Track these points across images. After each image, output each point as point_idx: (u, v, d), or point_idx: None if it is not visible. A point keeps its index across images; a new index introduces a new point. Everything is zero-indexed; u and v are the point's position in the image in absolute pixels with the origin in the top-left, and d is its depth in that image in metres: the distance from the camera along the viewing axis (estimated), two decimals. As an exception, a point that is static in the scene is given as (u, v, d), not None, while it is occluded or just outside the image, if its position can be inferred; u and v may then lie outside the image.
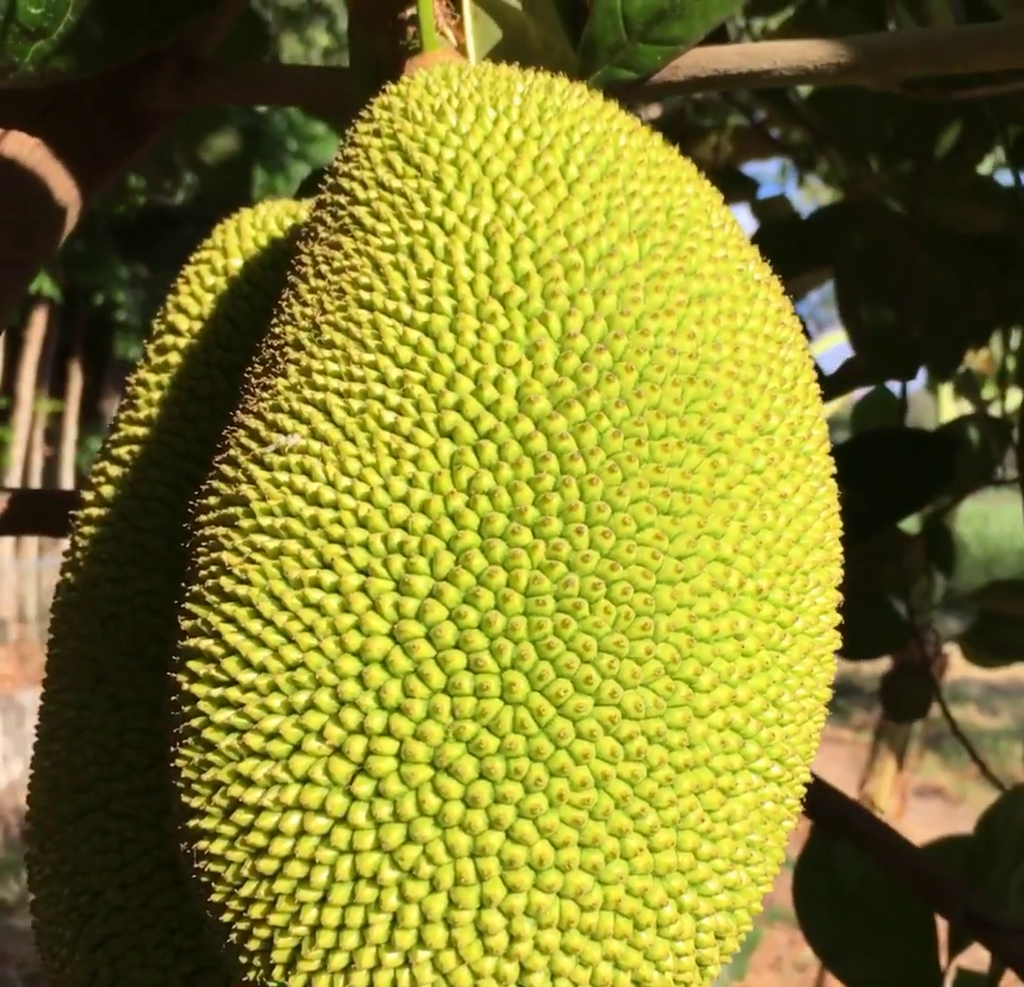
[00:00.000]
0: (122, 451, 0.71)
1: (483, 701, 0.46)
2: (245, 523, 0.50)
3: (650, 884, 0.48)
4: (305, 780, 0.47)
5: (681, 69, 0.68)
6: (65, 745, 0.69)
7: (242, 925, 0.48)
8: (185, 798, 0.49)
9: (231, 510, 0.51)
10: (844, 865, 1.20)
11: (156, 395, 0.71)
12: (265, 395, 0.53)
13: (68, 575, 0.72)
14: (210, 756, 0.48)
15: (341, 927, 0.47)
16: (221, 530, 0.51)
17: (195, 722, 0.49)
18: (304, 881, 0.47)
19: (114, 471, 0.71)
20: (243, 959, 0.49)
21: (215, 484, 0.53)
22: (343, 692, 0.46)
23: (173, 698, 0.51)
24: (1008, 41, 0.62)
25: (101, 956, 0.67)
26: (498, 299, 0.50)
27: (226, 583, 0.49)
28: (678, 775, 0.48)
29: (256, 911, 0.48)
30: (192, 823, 0.49)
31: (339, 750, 0.46)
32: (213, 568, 0.51)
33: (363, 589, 0.47)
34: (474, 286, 0.51)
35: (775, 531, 0.51)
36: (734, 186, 2.17)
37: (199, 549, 0.52)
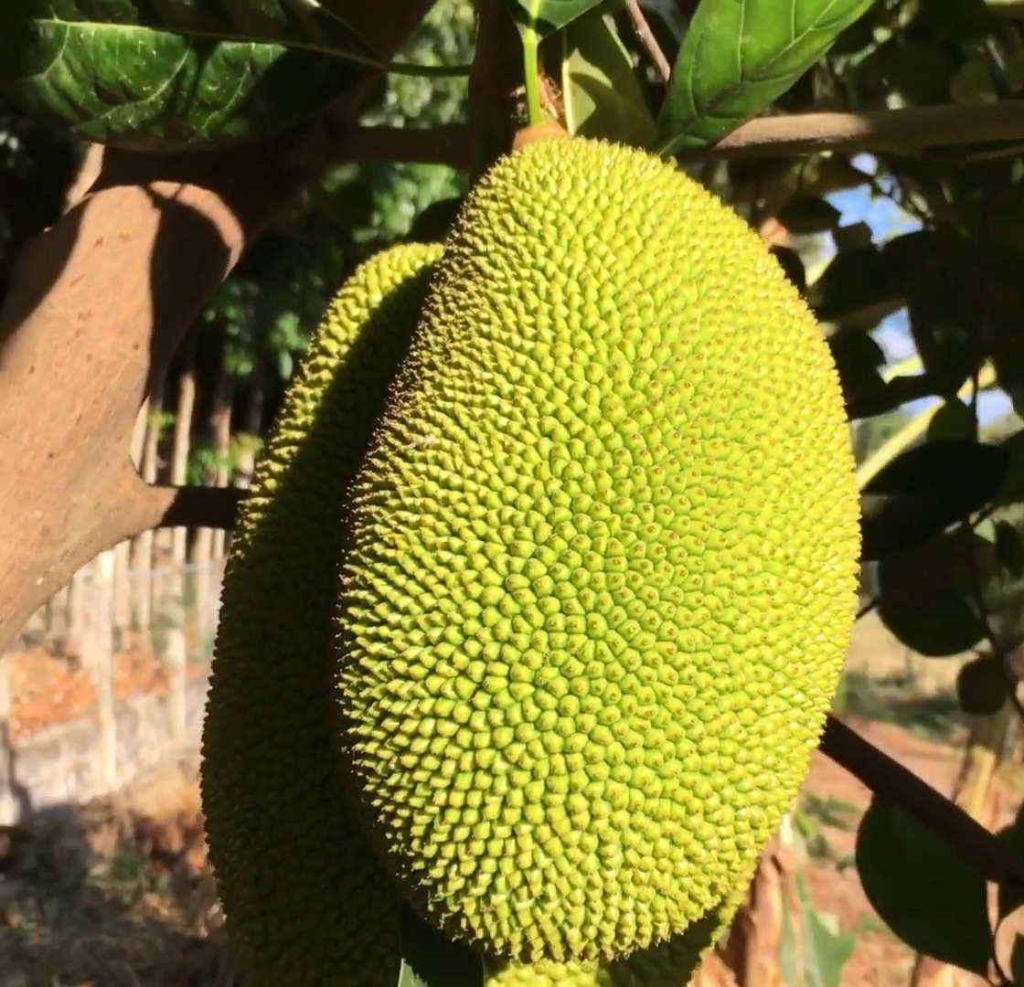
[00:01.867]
0: (282, 451, 0.87)
1: (571, 635, 0.61)
2: (392, 502, 0.65)
3: (698, 779, 0.62)
4: (438, 695, 0.62)
5: (742, 136, 0.83)
6: (236, 690, 0.85)
7: (388, 808, 0.64)
8: (346, 712, 0.65)
9: (381, 493, 0.66)
10: (904, 832, 1.32)
11: (311, 405, 0.86)
12: (406, 405, 0.69)
13: (238, 553, 0.87)
14: (365, 678, 0.64)
15: (464, 807, 0.62)
16: (373, 508, 0.66)
17: (354, 653, 0.64)
18: (436, 772, 0.62)
19: (276, 467, 0.86)
20: (388, 835, 0.64)
21: (368, 473, 0.69)
22: (467, 629, 0.61)
23: (336, 636, 0.66)
24: (1008, 116, 0.76)
25: (264, 860, 0.83)
26: (587, 331, 0.65)
27: (378, 548, 0.65)
28: (720, 696, 0.62)
29: (399, 796, 0.63)
30: (351, 731, 0.64)
31: (464, 672, 0.61)
32: (367, 537, 0.66)
33: (482, 551, 0.62)
34: (568, 321, 0.66)
35: (800, 511, 0.65)
36: (816, 214, 2.27)
37: (356, 523, 0.68)
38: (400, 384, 0.72)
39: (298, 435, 0.86)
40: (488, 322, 0.67)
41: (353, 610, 0.65)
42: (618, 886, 0.62)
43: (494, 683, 0.61)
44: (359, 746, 0.64)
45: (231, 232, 1.04)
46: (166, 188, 1.02)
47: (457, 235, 0.74)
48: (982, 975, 1.31)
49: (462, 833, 0.62)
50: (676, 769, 0.62)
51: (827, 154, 2.37)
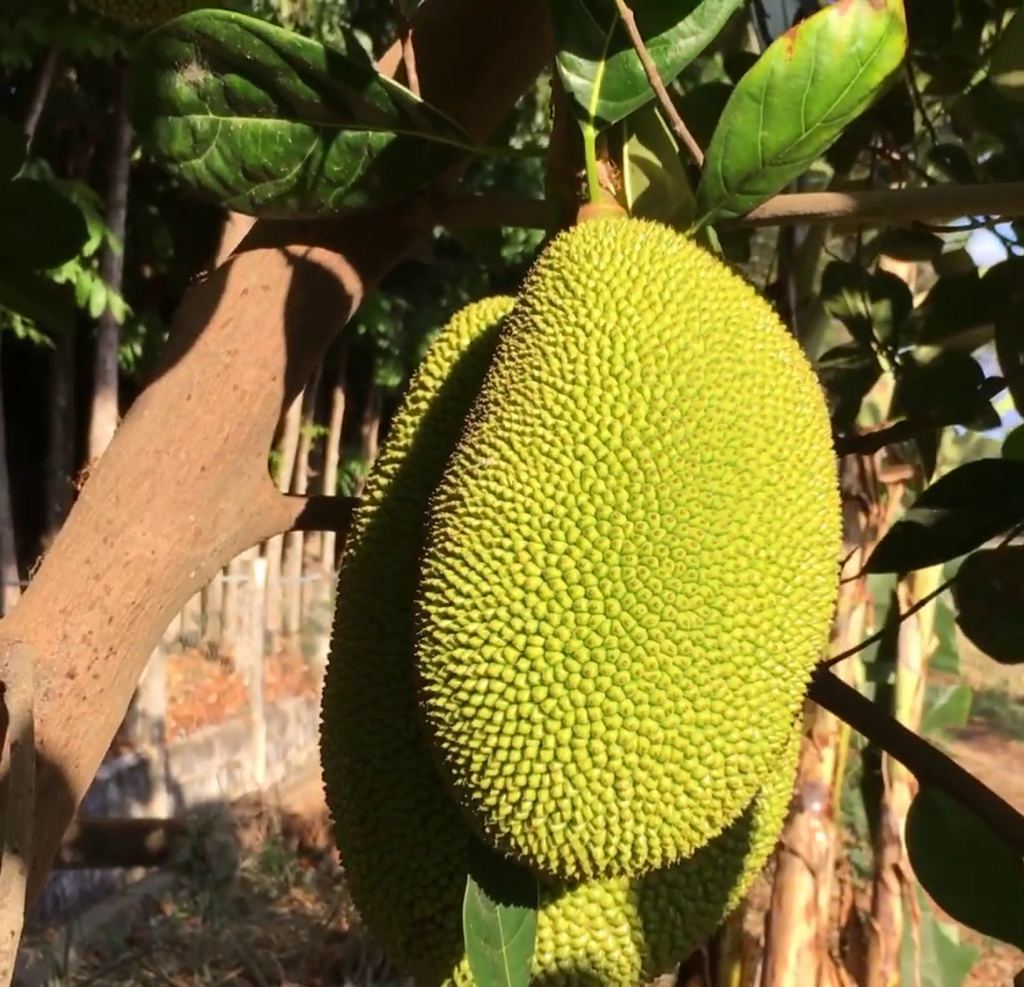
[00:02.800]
0: (388, 468, 1.05)
1: (593, 615, 0.79)
2: (460, 510, 0.84)
3: (693, 731, 0.79)
4: (490, 660, 0.80)
5: (767, 210, 1.00)
6: (347, 664, 1.04)
7: (453, 749, 0.82)
8: (422, 674, 0.83)
9: (452, 502, 0.85)
10: (947, 813, 1.46)
11: (411, 430, 1.05)
12: (475, 433, 0.87)
13: (351, 551, 1.06)
14: (436, 648, 0.82)
15: (510, 748, 0.79)
16: (446, 515, 0.85)
17: (428, 628, 0.83)
18: (489, 721, 0.80)
19: (382, 481, 1.05)
20: (454, 771, 0.82)
21: (444, 487, 0.87)
22: (513, 609, 0.79)
23: (416, 615, 0.85)
24: (974, 198, 0.91)
25: (368, 804, 1.01)
26: (613, 376, 0.83)
27: (448, 546, 0.83)
28: (711, 665, 0.79)
29: (461, 740, 0.81)
30: (426, 689, 0.83)
31: (510, 643, 0.79)
32: (441, 537, 0.84)
33: (526, 549, 0.80)
34: (599, 368, 0.83)
35: (782, 520, 0.82)
36: (918, 244, 2.41)
37: (433, 526, 0.86)
38: (473, 416, 0.90)
39: (400, 455, 1.05)
40: (539, 369, 0.85)
41: (429, 594, 0.84)
42: (631, 814, 0.80)
43: (533, 651, 0.79)
44: (432, 701, 0.82)
45: (352, 284, 1.24)
46: (299, 248, 1.22)
47: (522, 296, 0.92)
48: (1020, 947, 1.45)
49: (509, 769, 0.80)
50: (675, 722, 0.79)
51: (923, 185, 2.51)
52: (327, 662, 1.10)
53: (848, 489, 5.45)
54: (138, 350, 18.38)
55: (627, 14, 0.91)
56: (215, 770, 13.81)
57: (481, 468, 0.84)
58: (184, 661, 17.11)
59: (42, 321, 1.95)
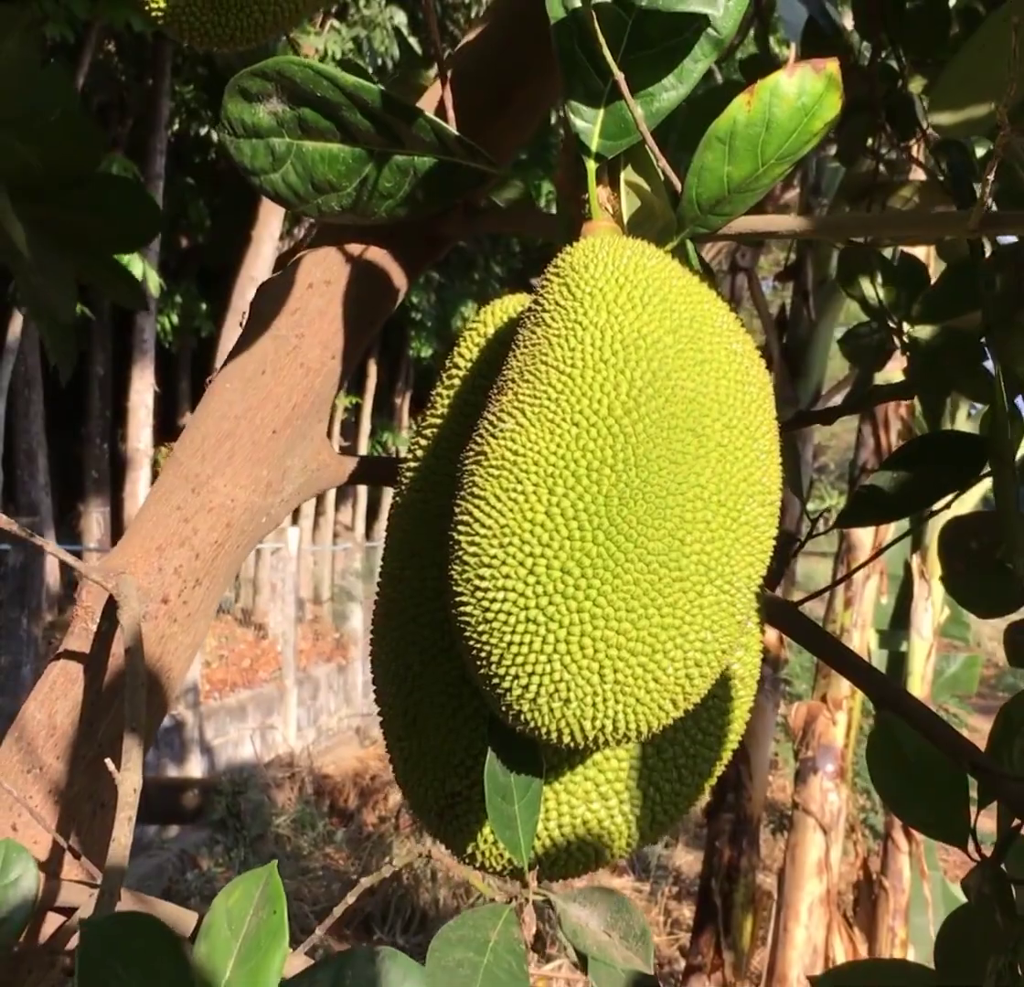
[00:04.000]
0: (427, 431, 1.30)
1: (584, 542, 1.03)
2: (484, 463, 1.09)
3: (660, 632, 1.04)
4: (506, 576, 1.05)
5: (733, 227, 1.25)
6: (394, 588, 1.29)
7: (477, 646, 1.07)
8: (454, 588, 1.08)
9: (479, 457, 1.10)
10: (903, 735, 1.70)
11: (447, 401, 1.30)
12: (497, 404, 1.12)
13: (397, 499, 1.31)
14: (465, 568, 1.07)
15: (521, 643, 1.04)
16: (474, 466, 1.10)
17: (459, 552, 1.08)
18: (504, 622, 1.05)
19: (423, 442, 1.30)
20: (478, 662, 1.07)
21: (472, 446, 1.12)
22: (524, 537, 1.04)
23: (450, 544, 1.10)
24: (900, 222, 1.15)
25: (410, 700, 1.26)
26: (603, 362, 1.08)
27: (475, 490, 1.08)
28: (673, 582, 1.04)
29: (484, 638, 1.06)
30: (457, 598, 1.08)
31: (521, 563, 1.04)
32: (470, 484, 1.09)
33: (534, 493, 1.05)
34: (593, 356, 1.08)
35: (730, 473, 1.07)
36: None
37: (464, 475, 1.11)
38: (495, 391, 1.15)
39: (438, 422, 1.30)
40: (547, 355, 1.10)
41: (461, 527, 1.09)
42: (612, 695, 1.05)
43: (538, 569, 1.04)
44: (461, 608, 1.08)
45: (398, 278, 1.50)
46: (356, 248, 1.48)
47: (535, 296, 1.17)
48: (963, 850, 1.69)
49: (520, 659, 1.05)
50: (646, 624, 1.04)
51: (925, 177, 2.72)
52: (374, 602, 1.35)
53: (865, 463, 5.68)
54: (175, 319, 18.62)
55: (619, 75, 1.16)
56: (248, 733, 14.11)
57: (501, 431, 1.09)
58: (218, 626, 17.37)
59: (118, 299, 2.21)
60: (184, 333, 19.13)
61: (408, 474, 1.31)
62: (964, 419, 6.11)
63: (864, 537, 5.61)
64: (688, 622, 1.05)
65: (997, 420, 1.51)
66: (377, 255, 1.49)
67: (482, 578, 1.06)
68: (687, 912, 8.38)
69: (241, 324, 1.52)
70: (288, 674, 15.58)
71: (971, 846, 1.69)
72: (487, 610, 1.05)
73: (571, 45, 1.21)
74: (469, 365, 1.30)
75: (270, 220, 16.46)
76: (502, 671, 1.06)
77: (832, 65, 1.16)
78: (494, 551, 1.05)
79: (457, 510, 1.10)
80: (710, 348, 1.10)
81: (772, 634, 4.99)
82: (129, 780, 1.18)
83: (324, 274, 1.48)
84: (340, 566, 22.49)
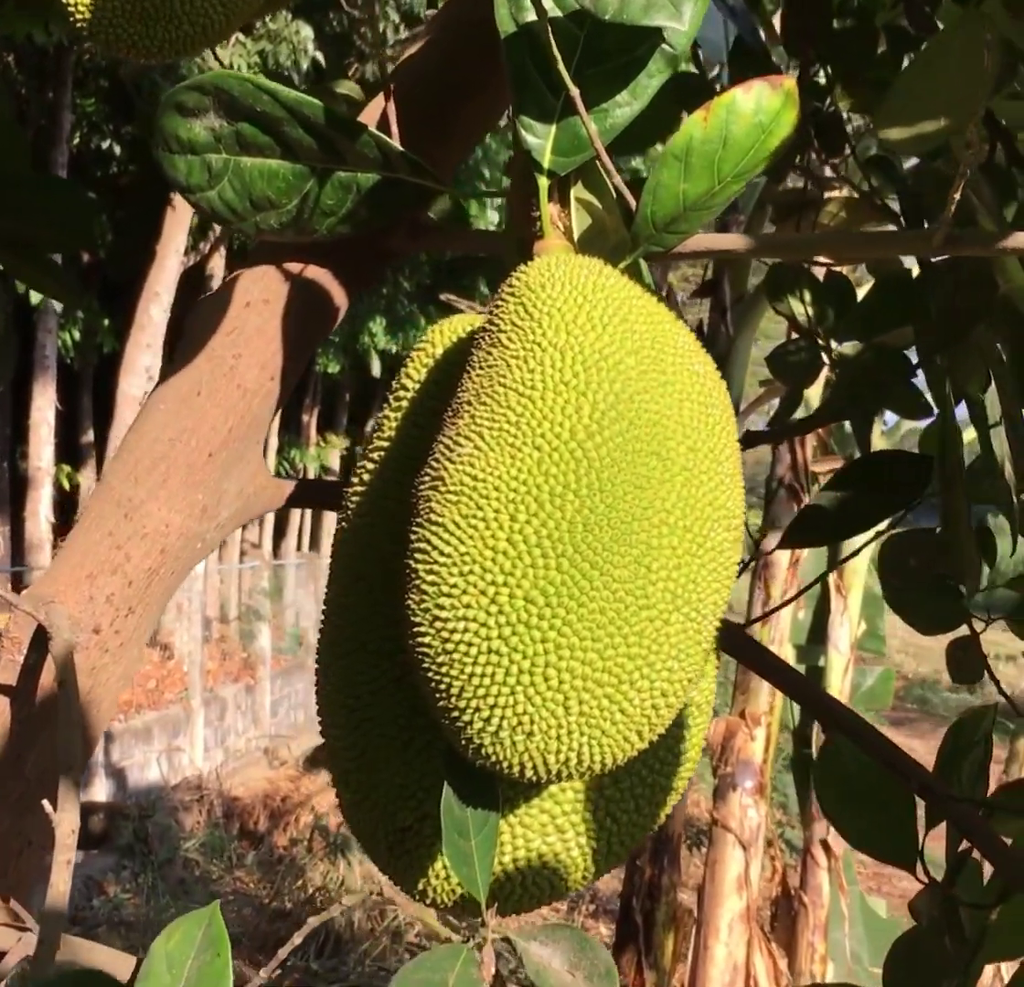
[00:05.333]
0: (374, 454, 1.27)
1: (548, 571, 1.00)
2: (442, 488, 1.05)
3: (626, 661, 1.01)
4: (466, 606, 1.01)
5: (689, 245, 1.22)
6: (339, 616, 1.25)
7: (436, 677, 1.03)
8: (412, 618, 1.05)
9: (435, 483, 1.06)
10: (847, 754, 1.69)
11: (394, 424, 1.26)
12: (452, 428, 1.09)
13: (343, 524, 1.27)
14: (424, 596, 1.03)
15: (482, 675, 1.01)
16: (430, 492, 1.06)
17: (416, 581, 1.04)
18: (465, 653, 1.01)
19: (370, 466, 1.27)
20: (438, 695, 1.04)
21: (428, 470, 1.09)
22: (485, 566, 1.01)
23: (406, 572, 1.06)
24: (838, 242, 1.14)
25: (358, 732, 1.22)
26: (564, 384, 1.05)
27: (433, 516, 1.05)
28: (640, 611, 1.02)
29: (443, 669, 1.03)
30: (415, 629, 1.04)
31: (482, 592, 1.01)
32: (426, 510, 1.06)
33: (496, 519, 1.02)
34: (552, 377, 1.05)
35: (695, 498, 1.05)
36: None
37: (419, 502, 1.08)
38: (450, 413, 1.12)
39: (385, 444, 1.26)
40: (504, 377, 1.07)
41: (418, 555, 1.05)
42: (577, 727, 1.02)
43: (501, 599, 1.00)
44: (420, 639, 1.04)
45: (339, 296, 1.46)
46: (295, 266, 1.44)
47: (489, 317, 1.14)
48: (910, 872, 1.68)
49: (481, 691, 1.01)
50: (612, 654, 1.01)
51: (855, 194, 2.73)
52: (319, 630, 1.31)
53: (782, 478, 5.71)
54: (77, 335, 18.38)
55: (574, 91, 1.13)
56: (155, 755, 13.93)
57: (458, 456, 1.06)
58: (123, 647, 17.05)
59: (55, 297, 2.15)
60: (86, 349, 18.86)
61: (354, 499, 1.27)
62: (878, 435, 6.17)
63: (780, 554, 5.63)
64: (654, 651, 1.03)
65: (946, 439, 1.50)
66: (317, 273, 1.45)
67: (441, 608, 1.02)
68: (604, 929, 8.37)
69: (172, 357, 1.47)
70: (195, 695, 15.39)
71: (919, 869, 1.69)
72: (447, 641, 1.02)
73: (522, 60, 1.18)
74: (418, 387, 1.26)
75: (174, 234, 16.32)
76: (462, 704, 1.03)
77: (790, 82, 1.15)
78: (454, 580, 1.02)
79: (413, 537, 1.07)
80: (672, 369, 1.08)
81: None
82: (67, 821, 1.13)
83: (262, 293, 1.44)
84: (247, 585, 22.29)
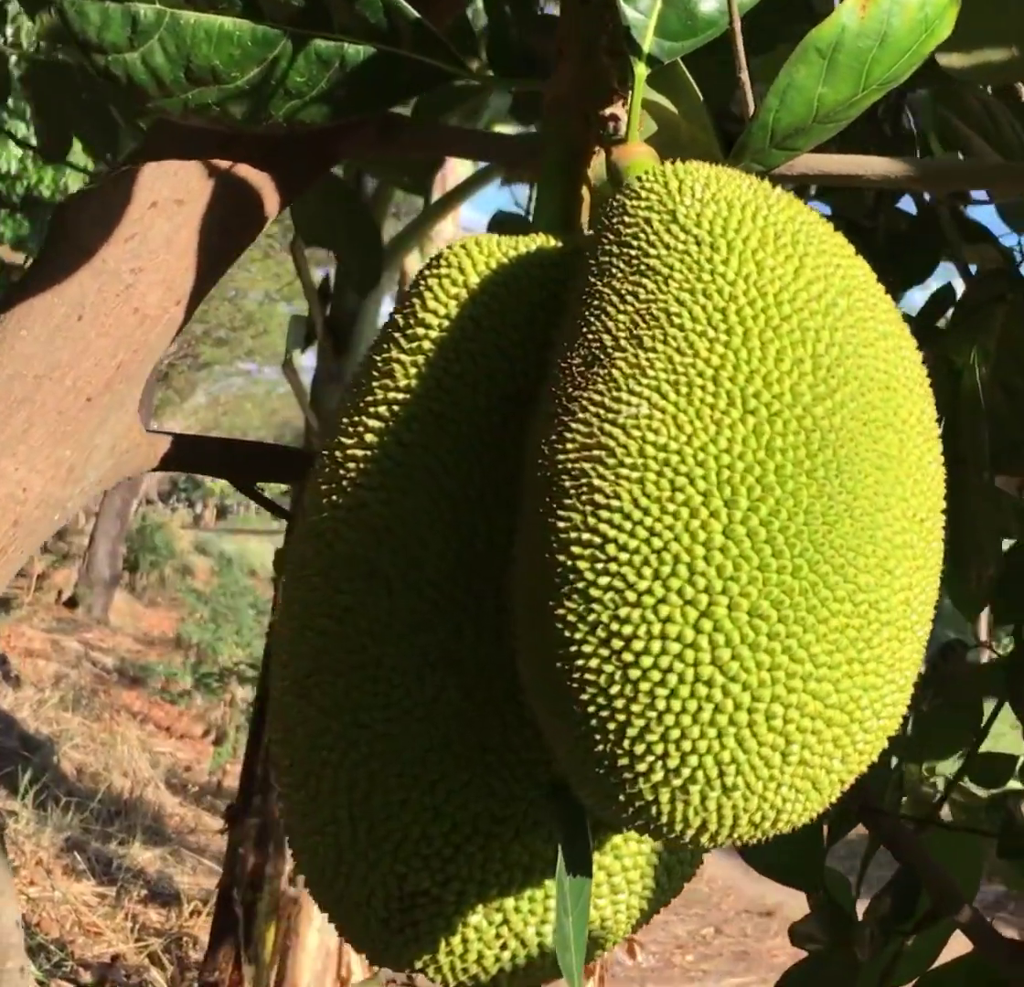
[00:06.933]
0: (381, 409, 0.97)
1: (780, 575, 0.76)
2: (610, 461, 0.78)
3: (861, 694, 0.78)
4: (667, 620, 0.75)
5: (796, 167, 0.99)
6: (336, 620, 0.95)
7: (604, 713, 0.77)
8: (566, 634, 0.77)
9: (596, 453, 0.79)
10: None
11: (412, 370, 0.97)
12: (599, 381, 0.82)
13: (333, 497, 0.97)
14: (593, 606, 0.77)
15: (681, 712, 0.76)
16: (587, 465, 0.79)
17: (580, 585, 0.77)
18: (660, 683, 0.75)
19: (374, 423, 0.97)
20: (598, 736, 0.77)
21: (567, 435, 0.81)
22: (695, 567, 0.75)
23: (552, 570, 0.79)
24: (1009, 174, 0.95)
25: (362, 771, 0.93)
26: (772, 330, 0.80)
27: (599, 498, 0.78)
28: (881, 628, 0.79)
29: (619, 703, 0.76)
30: (572, 649, 0.77)
31: (690, 602, 0.75)
32: (583, 489, 0.79)
33: (705, 505, 0.76)
34: (755, 320, 0.80)
35: (926, 482, 0.83)
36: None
37: (562, 477, 0.80)
38: (576, 361, 0.84)
39: (399, 396, 0.96)
40: (678, 316, 0.81)
41: (576, 550, 0.78)
42: (790, 779, 0.78)
43: (717, 611, 0.75)
44: (580, 662, 0.77)
45: (272, 205, 1.13)
46: (222, 164, 1.10)
47: (612, 237, 0.88)
48: (812, 893, 1.53)
49: (675, 733, 0.76)
50: (848, 685, 0.78)
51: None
52: (277, 636, 1.01)
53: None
54: None
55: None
56: None
57: (627, 418, 0.79)
58: None
59: None
60: None
61: (352, 466, 0.97)
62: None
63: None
64: (888, 681, 0.81)
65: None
66: (250, 173, 1.11)
67: (625, 622, 0.76)
68: (154, 915, 7.90)
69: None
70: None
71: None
72: (631, 665, 0.76)
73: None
74: (446, 324, 0.98)
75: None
76: (640, 750, 0.77)
77: (961, -28, 0.93)
78: (647, 585, 0.76)
79: (562, 524, 0.79)
80: (886, 317, 0.85)
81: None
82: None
83: (175, 192, 1.09)
84: None
